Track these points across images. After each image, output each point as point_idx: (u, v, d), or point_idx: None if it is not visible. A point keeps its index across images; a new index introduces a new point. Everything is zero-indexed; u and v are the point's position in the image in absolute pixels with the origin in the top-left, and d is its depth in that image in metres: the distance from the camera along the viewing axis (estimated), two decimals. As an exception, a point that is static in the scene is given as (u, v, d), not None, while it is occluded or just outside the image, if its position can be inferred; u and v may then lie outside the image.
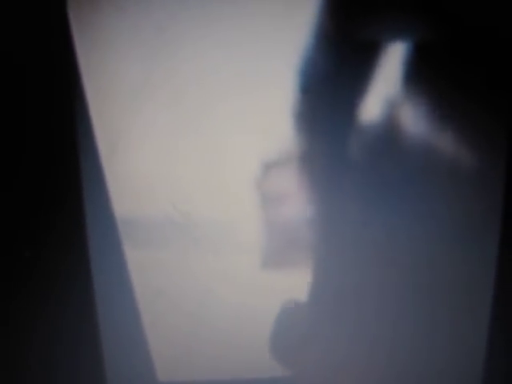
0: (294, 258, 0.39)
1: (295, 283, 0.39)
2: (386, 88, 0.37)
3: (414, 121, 0.38)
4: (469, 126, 0.38)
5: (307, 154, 0.38)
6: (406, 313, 0.39)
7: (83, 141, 0.36)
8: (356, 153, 0.38)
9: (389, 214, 0.38)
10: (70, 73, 0.36)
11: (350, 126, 0.37)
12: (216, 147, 0.37)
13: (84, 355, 0.37)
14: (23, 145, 0.36)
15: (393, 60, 0.37)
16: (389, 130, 0.38)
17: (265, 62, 0.36)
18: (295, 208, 0.38)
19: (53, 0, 0.35)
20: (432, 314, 0.39)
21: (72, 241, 0.36)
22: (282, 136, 0.37)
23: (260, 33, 0.36)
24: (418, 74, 0.37)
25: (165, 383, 0.39)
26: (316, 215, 0.38)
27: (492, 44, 0.37)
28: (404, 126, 0.38)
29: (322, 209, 0.38)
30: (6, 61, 0.34)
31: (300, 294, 0.39)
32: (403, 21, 0.37)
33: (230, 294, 0.38)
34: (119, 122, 0.37)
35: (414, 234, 0.39)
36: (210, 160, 0.37)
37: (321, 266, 0.39)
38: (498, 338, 0.39)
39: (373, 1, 0.36)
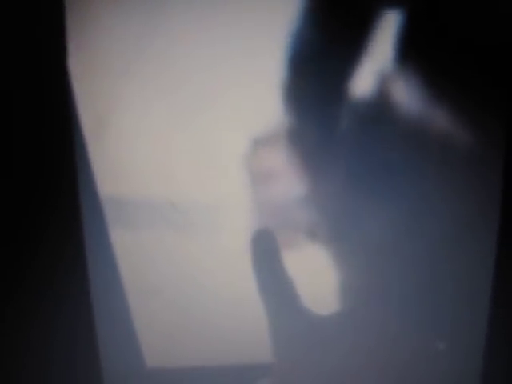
0: (285, 239, 0.38)
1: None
2: (377, 64, 0.36)
3: (407, 97, 0.37)
4: (467, 106, 0.37)
5: (297, 131, 0.37)
6: (403, 311, 0.39)
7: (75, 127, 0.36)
8: (347, 130, 0.37)
9: (383, 195, 0.38)
10: (60, 54, 0.35)
11: (341, 103, 0.37)
12: (204, 125, 0.36)
13: (79, 347, 0.37)
14: (14, 134, 0.35)
15: (386, 32, 0.36)
16: (381, 107, 0.37)
17: (253, 38, 0.36)
18: (286, 186, 0.37)
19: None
20: (428, 312, 0.39)
21: (67, 235, 0.36)
22: (272, 113, 0.36)
23: (248, 8, 0.35)
24: (412, 47, 0.37)
25: (154, 368, 0.39)
26: (307, 194, 0.38)
27: (487, 31, 0.36)
28: (398, 102, 0.37)
29: (313, 188, 0.38)
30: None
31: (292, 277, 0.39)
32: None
33: (217, 278, 0.37)
34: (108, 105, 0.36)
35: (411, 218, 0.38)
36: (199, 140, 0.36)
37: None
38: (497, 336, 0.38)
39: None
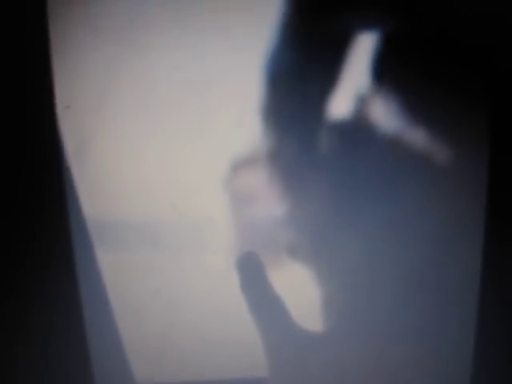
0: (268, 258, 0.39)
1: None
2: (357, 81, 0.37)
3: (387, 115, 0.37)
4: (447, 121, 0.37)
5: (277, 152, 0.37)
6: (388, 322, 0.39)
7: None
8: (327, 148, 0.37)
9: (363, 213, 0.38)
10: (45, 76, 0.35)
11: (320, 122, 0.37)
12: (185, 147, 0.37)
13: (72, 365, 0.37)
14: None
15: (363, 52, 0.36)
16: (361, 125, 0.37)
17: (231, 58, 0.36)
18: (267, 206, 0.38)
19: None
20: (415, 322, 0.39)
21: (56, 243, 0.36)
22: (251, 133, 0.37)
23: (227, 28, 0.36)
24: (389, 66, 0.37)
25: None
26: (288, 213, 0.38)
27: (466, 33, 0.36)
28: (376, 121, 0.37)
29: (294, 207, 0.38)
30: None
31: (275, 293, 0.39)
32: (372, 11, 0.36)
33: (202, 296, 0.38)
34: (90, 126, 0.37)
35: (392, 234, 0.38)
36: (180, 162, 0.37)
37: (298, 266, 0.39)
38: (485, 341, 0.38)
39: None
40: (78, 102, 0.36)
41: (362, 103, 0.37)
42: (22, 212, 0.36)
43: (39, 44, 0.35)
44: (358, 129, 0.37)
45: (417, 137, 0.37)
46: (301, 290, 0.39)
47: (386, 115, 0.37)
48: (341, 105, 0.37)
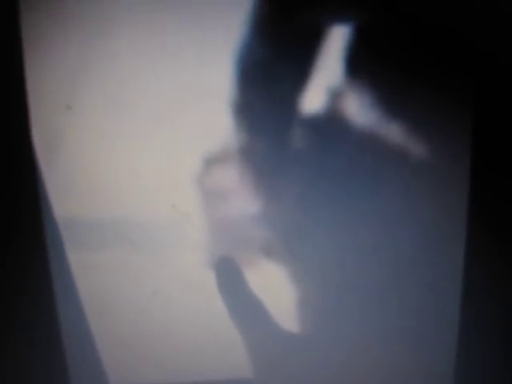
0: (243, 257, 0.38)
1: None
2: (330, 75, 0.36)
3: (361, 110, 0.36)
4: (425, 115, 0.37)
5: (250, 148, 0.37)
6: (368, 313, 0.38)
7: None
8: (301, 144, 0.37)
9: (339, 209, 0.37)
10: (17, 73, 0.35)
11: (293, 117, 0.36)
12: (156, 144, 0.36)
13: (48, 368, 0.37)
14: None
15: (336, 45, 0.36)
16: (335, 120, 0.36)
17: (202, 54, 0.35)
18: (240, 204, 0.37)
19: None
20: (398, 316, 0.38)
21: (32, 259, 0.36)
22: (222, 130, 0.36)
23: (196, 24, 0.35)
24: (363, 60, 0.36)
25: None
26: (262, 211, 0.37)
27: (443, 25, 0.36)
28: (351, 116, 0.36)
29: (267, 204, 0.37)
30: None
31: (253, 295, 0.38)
32: (345, 2, 0.36)
33: (177, 295, 0.37)
34: (59, 120, 0.36)
35: (369, 231, 0.38)
36: (151, 158, 0.36)
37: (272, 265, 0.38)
38: (467, 335, 0.38)
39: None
40: (49, 100, 0.36)
41: (335, 98, 0.36)
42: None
43: (11, 41, 0.35)
44: (332, 124, 0.36)
45: (393, 132, 0.37)
46: (277, 290, 0.38)
47: (360, 110, 0.36)
48: (314, 100, 0.36)
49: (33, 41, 0.35)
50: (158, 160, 0.36)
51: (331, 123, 0.36)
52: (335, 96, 0.36)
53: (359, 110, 0.36)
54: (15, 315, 0.36)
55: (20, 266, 0.36)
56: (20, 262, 0.36)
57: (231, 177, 0.37)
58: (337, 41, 0.36)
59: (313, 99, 0.36)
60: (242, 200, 0.37)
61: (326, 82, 0.36)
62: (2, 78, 0.35)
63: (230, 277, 0.38)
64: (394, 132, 0.37)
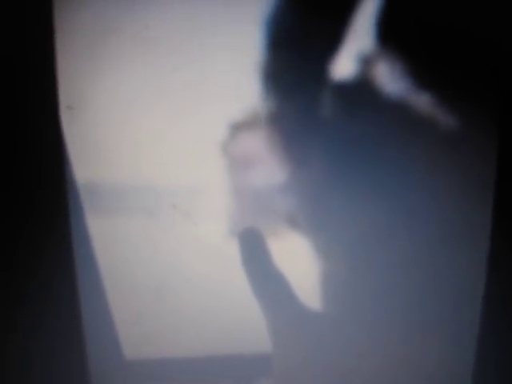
0: (267, 227, 0.37)
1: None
2: (360, 42, 0.35)
3: (391, 78, 0.36)
4: (453, 88, 0.36)
5: (278, 116, 0.36)
6: (393, 312, 0.38)
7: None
8: (329, 112, 0.36)
9: (366, 181, 0.37)
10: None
11: (322, 87, 0.36)
12: (183, 111, 0.36)
13: (65, 340, 0.36)
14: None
15: (367, 12, 0.35)
16: (364, 88, 0.36)
17: (230, 21, 0.35)
18: (266, 172, 0.37)
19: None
20: (420, 314, 0.38)
21: (54, 228, 0.35)
22: (251, 97, 0.35)
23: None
24: (393, 27, 0.35)
25: (133, 360, 0.38)
26: (288, 181, 0.37)
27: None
28: (380, 84, 0.36)
29: (294, 174, 0.37)
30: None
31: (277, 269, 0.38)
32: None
33: (196, 267, 0.37)
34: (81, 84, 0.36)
35: (397, 203, 0.37)
36: (178, 125, 0.36)
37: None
38: (488, 338, 0.37)
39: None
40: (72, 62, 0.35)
41: (365, 65, 0.35)
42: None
43: (44, 42, 0.35)
44: (361, 92, 0.36)
45: (422, 102, 0.36)
46: (301, 262, 0.37)
47: (389, 78, 0.36)
48: (343, 67, 0.35)
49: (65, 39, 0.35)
50: (183, 127, 0.36)
51: (360, 91, 0.36)
52: (365, 64, 0.35)
53: (389, 79, 0.36)
54: (35, 276, 0.36)
55: (42, 229, 0.35)
56: (42, 226, 0.35)
57: (257, 144, 0.36)
58: (367, 9, 0.35)
59: (343, 66, 0.35)
60: (268, 169, 0.36)
61: (357, 49, 0.35)
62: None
63: (253, 248, 0.37)
64: (423, 103, 0.36)
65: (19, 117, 0.35)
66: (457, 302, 0.38)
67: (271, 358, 0.38)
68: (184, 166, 0.36)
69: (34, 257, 0.35)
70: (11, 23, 0.33)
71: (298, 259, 0.37)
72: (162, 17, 0.35)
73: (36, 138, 0.35)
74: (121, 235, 0.37)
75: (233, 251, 0.37)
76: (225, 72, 0.35)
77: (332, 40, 0.35)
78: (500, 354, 0.37)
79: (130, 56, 0.35)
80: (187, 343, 0.38)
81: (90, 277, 0.37)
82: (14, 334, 0.36)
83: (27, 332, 0.36)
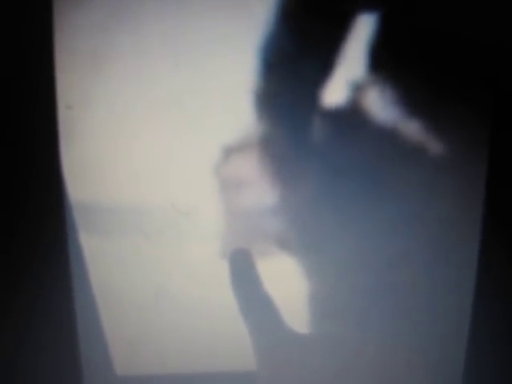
0: (256, 248, 0.38)
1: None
2: (352, 68, 0.36)
3: (383, 104, 0.36)
4: (445, 113, 0.37)
5: (270, 139, 0.36)
6: (382, 313, 0.38)
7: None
8: (321, 137, 0.37)
9: (356, 204, 0.37)
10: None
11: (314, 109, 0.36)
12: (175, 132, 0.36)
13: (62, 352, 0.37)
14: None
15: (360, 39, 0.36)
16: (355, 114, 0.36)
17: (226, 43, 0.35)
18: (257, 194, 0.37)
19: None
20: (410, 315, 0.38)
21: (53, 246, 0.36)
22: (244, 120, 0.36)
23: (221, 11, 0.35)
24: (386, 54, 0.36)
25: (124, 376, 0.39)
26: (279, 203, 0.37)
27: (468, 25, 0.36)
28: (372, 110, 0.36)
29: (285, 196, 0.37)
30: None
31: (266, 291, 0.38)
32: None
33: (186, 286, 0.37)
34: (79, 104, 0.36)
35: (386, 227, 0.38)
36: (170, 147, 0.36)
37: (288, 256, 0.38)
38: (478, 338, 0.38)
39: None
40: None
41: (357, 91, 0.36)
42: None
43: (42, 41, 0.35)
44: (352, 117, 0.36)
45: (414, 127, 0.37)
46: (290, 282, 0.38)
47: (381, 104, 0.36)
48: (335, 92, 0.36)
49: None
50: (176, 149, 0.36)
51: (352, 116, 0.36)
52: (357, 90, 0.36)
53: (380, 105, 0.36)
54: (32, 296, 0.36)
55: (39, 246, 0.36)
56: (39, 241, 0.36)
57: (249, 167, 0.37)
58: (361, 35, 0.36)
59: (334, 92, 0.36)
60: (259, 191, 0.37)
61: (349, 76, 0.36)
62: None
63: (243, 268, 0.38)
64: (413, 128, 0.37)
65: (20, 117, 0.35)
66: (447, 307, 0.38)
67: (257, 377, 0.39)
68: (177, 187, 0.37)
69: (31, 278, 0.36)
70: (10, 22, 0.34)
71: (287, 280, 0.38)
72: (151, 30, 0.36)
73: (33, 145, 0.35)
74: (114, 255, 0.37)
75: (223, 272, 0.37)
76: (219, 95, 0.36)
77: (325, 66, 0.36)
78: (490, 353, 0.38)
79: (124, 77, 0.36)
80: (176, 361, 0.38)
81: (85, 296, 0.37)
82: (17, 357, 0.36)
83: (28, 351, 0.36)
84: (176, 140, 0.36)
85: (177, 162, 0.36)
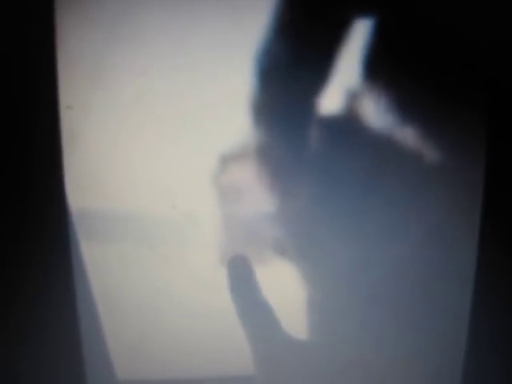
0: (254, 255, 0.38)
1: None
2: (348, 77, 0.36)
3: (379, 111, 0.37)
4: (441, 118, 0.37)
5: (267, 147, 0.37)
6: (381, 318, 0.39)
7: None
8: (318, 145, 0.37)
9: (353, 211, 0.37)
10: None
11: (311, 118, 0.36)
12: (174, 141, 0.36)
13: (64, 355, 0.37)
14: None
15: (355, 47, 0.36)
16: (352, 122, 0.36)
17: (222, 52, 0.36)
18: (255, 202, 0.37)
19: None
20: (409, 319, 0.39)
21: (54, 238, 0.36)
22: (241, 128, 0.36)
23: (217, 23, 0.36)
24: (381, 62, 0.36)
25: (125, 381, 0.39)
26: (276, 210, 0.38)
27: (464, 28, 0.36)
28: (368, 118, 0.37)
29: (282, 204, 0.37)
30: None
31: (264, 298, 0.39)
32: (366, 2, 0.36)
33: (185, 292, 0.37)
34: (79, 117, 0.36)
35: (383, 232, 0.38)
36: (169, 156, 0.37)
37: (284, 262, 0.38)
38: (477, 339, 0.38)
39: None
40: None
41: (353, 99, 0.36)
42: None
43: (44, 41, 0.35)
44: (349, 125, 0.36)
45: (410, 134, 0.37)
46: (288, 289, 0.38)
47: (376, 112, 0.36)
48: (332, 101, 0.36)
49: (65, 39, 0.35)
50: (175, 157, 0.36)
51: (348, 124, 0.36)
52: (352, 98, 0.36)
53: (375, 112, 0.36)
54: (36, 304, 0.36)
55: (43, 256, 0.36)
56: (43, 252, 0.36)
57: (247, 175, 0.37)
58: (355, 43, 0.36)
59: (330, 100, 0.36)
60: (257, 199, 0.37)
61: (344, 84, 0.36)
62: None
63: (241, 275, 0.38)
64: (409, 135, 0.37)
65: (18, 118, 0.35)
66: (446, 308, 0.38)
67: (256, 382, 0.39)
68: (175, 196, 0.37)
69: (33, 285, 0.36)
70: (12, 22, 0.34)
71: (285, 286, 0.38)
72: (156, 44, 0.36)
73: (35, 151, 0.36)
74: (115, 261, 0.37)
75: (222, 278, 0.38)
76: (216, 104, 0.36)
77: (321, 74, 0.36)
78: (489, 353, 0.38)
79: (123, 87, 0.36)
80: (178, 365, 0.39)
81: (87, 303, 0.38)
82: (19, 364, 0.36)
83: (31, 357, 0.37)
84: (175, 146, 0.36)
85: (176, 168, 0.37)
